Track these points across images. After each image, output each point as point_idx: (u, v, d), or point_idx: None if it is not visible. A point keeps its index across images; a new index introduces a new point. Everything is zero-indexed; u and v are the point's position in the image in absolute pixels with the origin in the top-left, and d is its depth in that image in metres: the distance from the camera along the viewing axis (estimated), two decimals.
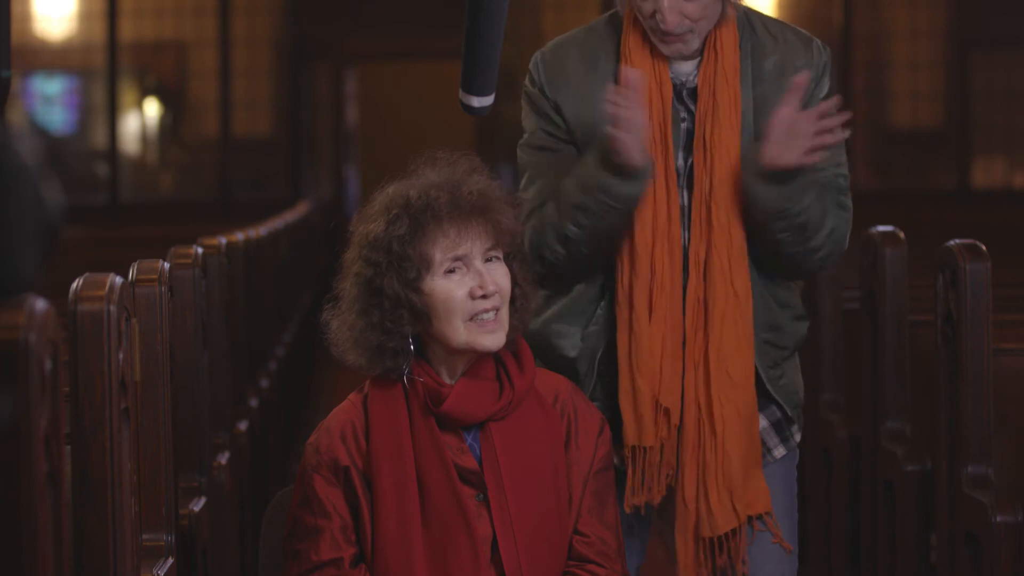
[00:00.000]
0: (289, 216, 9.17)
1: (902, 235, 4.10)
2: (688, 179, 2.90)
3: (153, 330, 2.84)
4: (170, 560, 2.83)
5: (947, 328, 3.52)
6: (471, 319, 2.53)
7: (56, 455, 1.84)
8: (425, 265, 2.53)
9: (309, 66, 14.44)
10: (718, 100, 2.88)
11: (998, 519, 3.33)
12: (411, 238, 2.53)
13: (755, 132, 2.88)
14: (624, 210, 2.80)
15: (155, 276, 2.89)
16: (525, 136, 2.99)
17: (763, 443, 2.97)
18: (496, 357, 2.59)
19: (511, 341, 2.60)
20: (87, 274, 2.46)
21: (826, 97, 2.91)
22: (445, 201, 2.53)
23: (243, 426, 4.48)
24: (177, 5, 13.87)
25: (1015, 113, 12.84)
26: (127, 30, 13.83)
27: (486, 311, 2.53)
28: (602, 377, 2.93)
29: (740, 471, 2.88)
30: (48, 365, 1.80)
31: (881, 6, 12.66)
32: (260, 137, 14.26)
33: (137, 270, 2.91)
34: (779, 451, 3.00)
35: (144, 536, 2.76)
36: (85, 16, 13.81)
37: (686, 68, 2.92)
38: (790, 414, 2.99)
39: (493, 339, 2.54)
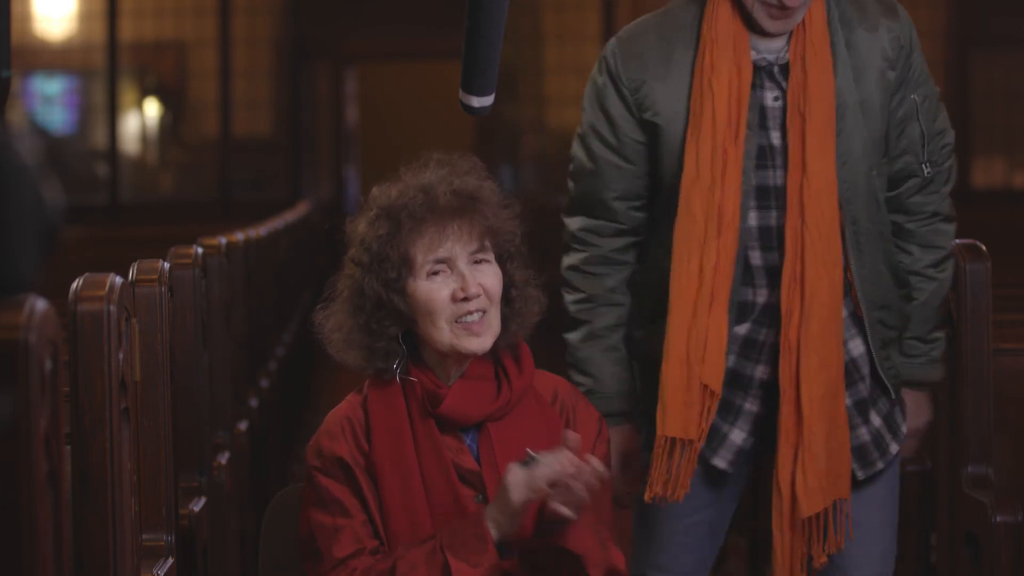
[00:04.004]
0: (289, 216, 9.17)
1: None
2: (783, 158, 2.89)
3: (153, 330, 2.84)
4: (170, 560, 2.83)
5: (947, 328, 3.51)
6: (456, 321, 2.52)
7: (56, 455, 1.84)
8: (406, 267, 2.52)
9: (309, 66, 14.44)
10: (809, 74, 2.88)
11: (998, 519, 3.33)
12: (390, 239, 2.52)
13: (860, 104, 2.90)
14: None
15: (155, 276, 2.89)
16: (583, 128, 3.03)
17: (881, 438, 2.97)
18: (495, 357, 2.58)
19: (511, 343, 2.59)
20: (87, 274, 2.46)
21: (916, 71, 2.97)
22: (421, 203, 2.51)
23: (243, 426, 4.48)
24: (177, 5, 13.87)
25: (1015, 113, 12.85)
26: (127, 30, 13.83)
27: (469, 313, 2.52)
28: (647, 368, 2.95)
29: (824, 452, 2.86)
30: (48, 365, 1.80)
31: None
32: (260, 137, 14.26)
33: (137, 270, 2.91)
34: (894, 446, 3.00)
35: (144, 536, 2.76)
36: (85, 16, 13.81)
37: (775, 45, 2.92)
38: (894, 397, 2.99)
39: (478, 343, 2.52)
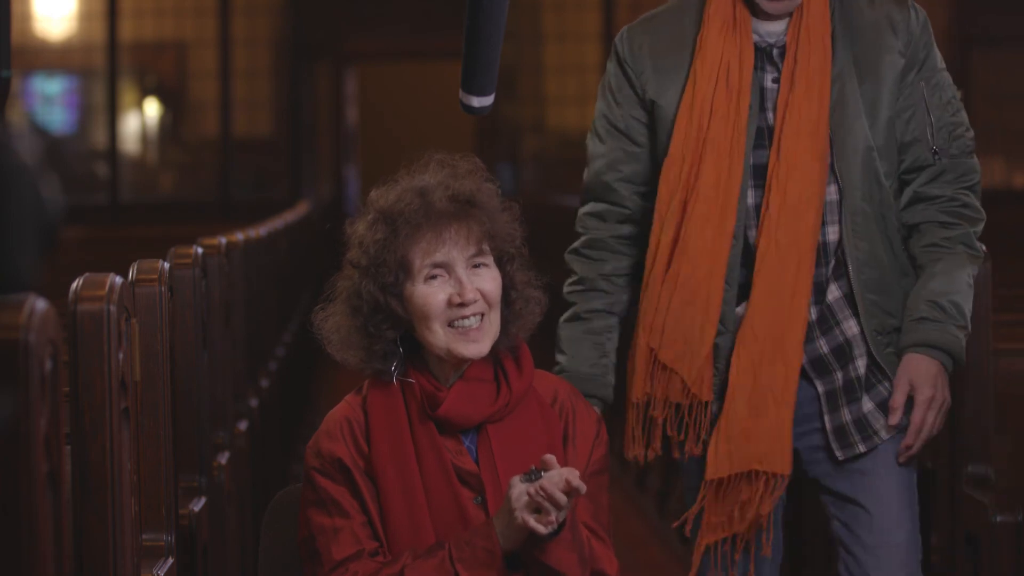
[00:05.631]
0: (289, 216, 9.17)
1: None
2: (771, 138, 2.95)
3: (153, 330, 2.83)
4: (170, 560, 2.83)
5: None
6: (450, 325, 2.51)
7: (56, 455, 1.84)
8: (404, 270, 2.52)
9: (309, 66, 14.45)
10: (799, 59, 2.92)
11: (998, 519, 3.33)
12: (388, 243, 2.51)
13: (859, 90, 2.93)
14: None
15: (155, 276, 2.89)
16: (595, 115, 3.11)
17: (868, 424, 2.95)
18: (495, 359, 2.58)
19: (512, 345, 2.59)
20: (87, 274, 2.45)
21: (926, 60, 2.98)
22: (418, 207, 2.51)
23: (243, 426, 4.48)
24: (177, 5, 13.88)
25: (1015, 113, 12.84)
26: (127, 30, 13.84)
27: (465, 318, 2.51)
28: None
29: (746, 418, 2.90)
30: (48, 365, 1.79)
31: None
32: (260, 137, 14.27)
33: (137, 270, 2.91)
34: (886, 432, 2.96)
35: (144, 536, 2.75)
36: (85, 16, 13.82)
37: (775, 28, 2.97)
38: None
39: (476, 348, 2.52)
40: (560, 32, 14.14)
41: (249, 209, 11.80)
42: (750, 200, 2.95)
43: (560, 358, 3.09)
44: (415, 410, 2.54)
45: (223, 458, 3.86)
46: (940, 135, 3.00)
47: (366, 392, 2.58)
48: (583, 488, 2.36)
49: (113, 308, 2.39)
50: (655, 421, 2.98)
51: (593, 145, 3.11)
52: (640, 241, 3.06)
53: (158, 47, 14.01)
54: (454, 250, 2.52)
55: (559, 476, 2.36)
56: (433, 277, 2.52)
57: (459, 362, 2.54)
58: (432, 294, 2.51)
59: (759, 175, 2.95)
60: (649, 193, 3.04)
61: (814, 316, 2.95)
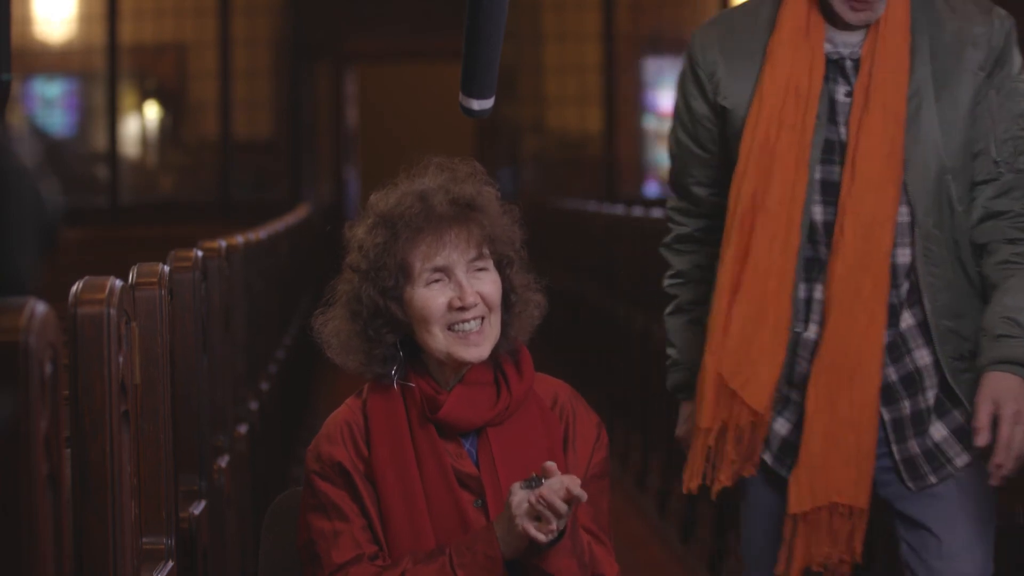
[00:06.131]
0: (289, 219, 9.17)
1: None
2: (842, 154, 2.86)
3: (153, 333, 2.83)
4: (170, 563, 2.83)
5: None
6: (450, 328, 2.51)
7: (56, 458, 1.84)
8: (404, 275, 2.51)
9: (309, 66, 14.46)
10: (874, 74, 2.82)
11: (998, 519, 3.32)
12: (388, 247, 2.51)
13: (936, 109, 2.83)
14: None
15: (155, 279, 2.88)
16: (673, 114, 3.05)
17: (942, 453, 2.87)
18: (494, 362, 2.57)
19: (512, 349, 2.58)
20: (87, 277, 2.45)
21: (1004, 72, 2.86)
22: (418, 211, 2.51)
23: (243, 429, 4.48)
24: (177, 6, 13.88)
25: None
26: (127, 32, 13.84)
27: (465, 321, 2.51)
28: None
29: (825, 451, 2.83)
30: (48, 368, 1.79)
31: None
32: (260, 138, 14.27)
33: (137, 273, 2.90)
34: (961, 460, 2.88)
35: (144, 539, 2.75)
36: (85, 19, 13.82)
37: (852, 39, 2.87)
38: (970, 411, 2.84)
39: (476, 352, 2.51)
40: (560, 32, 14.14)
41: (249, 210, 11.81)
42: (818, 216, 2.87)
43: (670, 351, 3.07)
44: (415, 414, 2.54)
45: (223, 461, 3.86)
46: (1004, 148, 2.89)
47: (366, 396, 2.58)
48: (584, 496, 2.36)
49: (113, 311, 2.39)
50: (723, 450, 2.90)
51: (671, 141, 3.06)
52: (721, 231, 2.99)
53: (158, 49, 14.01)
54: (454, 253, 2.51)
55: (559, 484, 2.35)
56: (434, 281, 2.51)
57: (459, 366, 2.54)
58: (432, 298, 2.51)
59: (828, 191, 2.86)
60: (723, 193, 2.97)
61: (886, 341, 2.87)
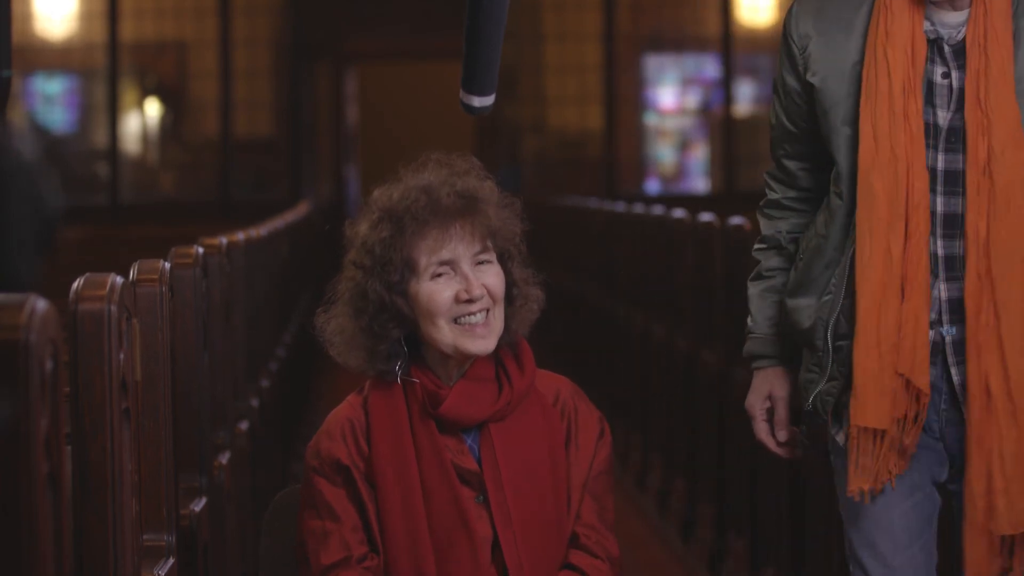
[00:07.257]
0: (289, 216, 9.17)
1: None
2: (948, 140, 2.79)
3: (154, 330, 2.83)
4: (171, 560, 2.83)
5: None
6: (455, 321, 2.52)
7: (56, 455, 1.84)
8: (410, 269, 2.52)
9: (309, 66, 14.46)
10: (991, 58, 2.76)
11: None
12: (393, 242, 2.52)
13: None
14: None
15: (156, 276, 2.89)
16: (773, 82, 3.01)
17: None
18: (496, 357, 2.58)
19: (512, 342, 2.59)
20: (88, 274, 2.45)
21: None
22: (424, 204, 2.51)
23: (244, 426, 4.48)
24: (177, 5, 13.88)
25: None
26: (128, 30, 13.84)
27: (471, 314, 2.52)
28: (838, 351, 2.82)
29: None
30: (49, 365, 1.79)
31: None
32: (260, 137, 14.27)
33: (138, 270, 2.90)
34: None
35: (145, 536, 2.75)
36: (86, 16, 13.82)
37: (952, 20, 2.81)
38: None
39: (483, 344, 2.52)
40: (560, 32, 14.14)
41: (249, 209, 11.81)
42: (940, 208, 2.79)
43: (748, 320, 3.03)
44: (416, 410, 2.54)
45: (224, 458, 3.86)
46: None
47: (367, 392, 2.58)
48: None
49: (114, 308, 2.39)
50: (892, 444, 2.78)
51: (771, 112, 3.00)
52: (815, 202, 2.95)
53: (159, 47, 14.02)
54: (460, 246, 2.52)
55: None
56: (439, 274, 2.52)
57: (464, 359, 2.54)
58: (439, 291, 2.51)
59: (948, 180, 2.79)
60: (814, 168, 2.93)
61: None
